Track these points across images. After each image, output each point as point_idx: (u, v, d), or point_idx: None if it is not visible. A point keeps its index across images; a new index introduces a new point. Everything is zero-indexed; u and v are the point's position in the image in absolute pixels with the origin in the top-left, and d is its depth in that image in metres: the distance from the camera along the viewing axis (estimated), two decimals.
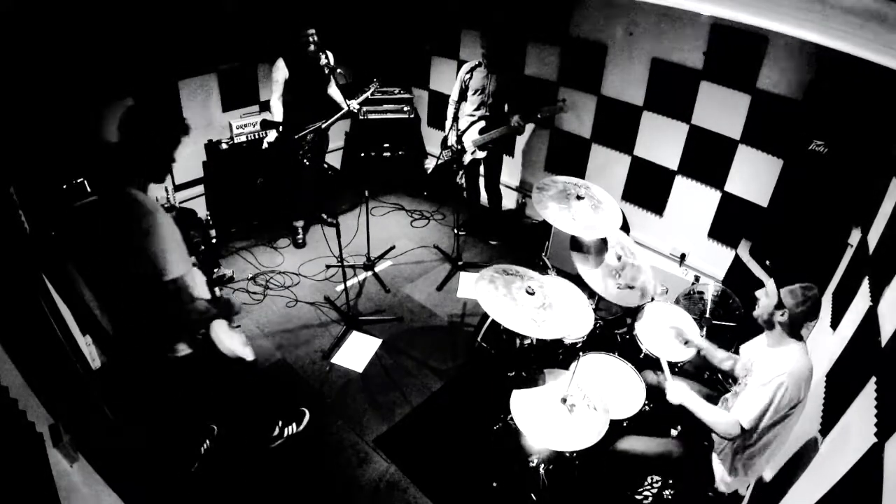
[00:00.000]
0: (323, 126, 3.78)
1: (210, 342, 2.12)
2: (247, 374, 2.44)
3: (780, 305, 1.98)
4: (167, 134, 1.89)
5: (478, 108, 4.08)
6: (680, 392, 2.15)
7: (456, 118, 4.09)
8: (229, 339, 2.20)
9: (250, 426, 2.73)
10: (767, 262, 3.25)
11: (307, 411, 2.89)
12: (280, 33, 3.97)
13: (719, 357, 2.41)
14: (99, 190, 1.83)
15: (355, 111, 3.85)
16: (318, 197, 4.42)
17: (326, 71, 3.81)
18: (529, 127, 4.58)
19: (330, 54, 3.80)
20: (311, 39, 3.68)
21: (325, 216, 4.55)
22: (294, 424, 2.82)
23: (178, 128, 1.92)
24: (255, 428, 2.73)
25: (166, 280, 1.80)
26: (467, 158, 4.20)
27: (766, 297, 2.03)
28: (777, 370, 1.90)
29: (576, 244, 2.82)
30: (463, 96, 4.11)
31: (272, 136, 3.97)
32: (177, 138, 1.92)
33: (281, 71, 3.75)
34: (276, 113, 3.86)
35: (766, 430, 1.95)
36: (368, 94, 3.76)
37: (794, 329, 1.99)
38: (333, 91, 4.00)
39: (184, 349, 2.08)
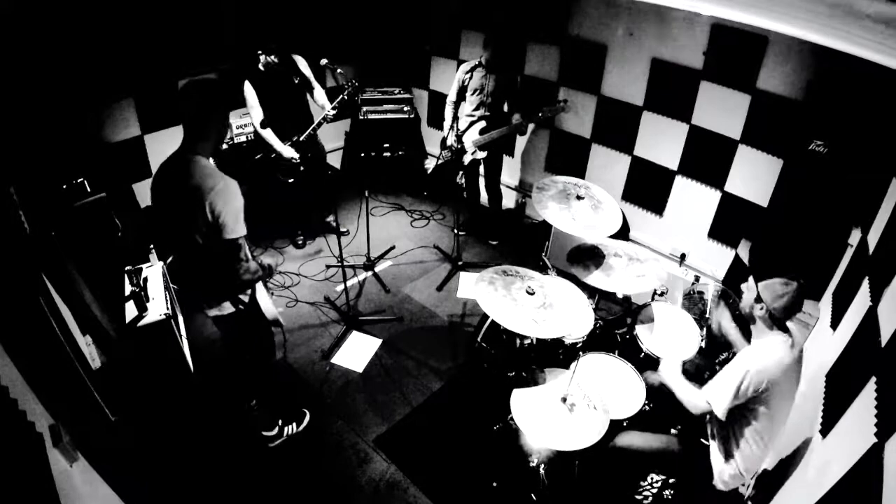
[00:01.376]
0: (302, 138, 3.75)
1: (254, 303, 2.34)
2: (270, 355, 2.72)
3: (758, 299, 2.01)
4: (225, 103, 2.08)
5: (477, 108, 4.08)
6: (670, 369, 2.25)
7: (455, 118, 4.09)
8: (269, 303, 2.38)
9: (251, 424, 2.73)
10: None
11: (308, 412, 2.90)
12: (243, 51, 3.79)
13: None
14: (173, 156, 2.06)
15: (330, 118, 3.68)
16: (317, 199, 4.42)
17: (297, 80, 3.77)
18: (530, 127, 4.57)
19: (300, 59, 3.77)
20: (270, 55, 3.55)
21: (332, 222, 4.54)
22: (294, 424, 2.82)
23: (229, 100, 2.13)
24: (255, 426, 2.73)
25: (229, 238, 2.02)
26: (467, 158, 4.20)
27: (747, 290, 2.08)
28: (747, 359, 1.94)
29: (572, 257, 2.83)
30: (462, 96, 4.11)
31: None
32: (229, 108, 2.15)
33: (251, 95, 3.58)
34: (269, 138, 3.70)
35: (744, 424, 1.99)
36: (343, 95, 3.52)
37: (777, 322, 1.99)
38: (319, 96, 3.89)
39: (228, 308, 2.27)
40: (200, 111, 1.97)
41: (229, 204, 1.99)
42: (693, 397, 2.09)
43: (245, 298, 2.32)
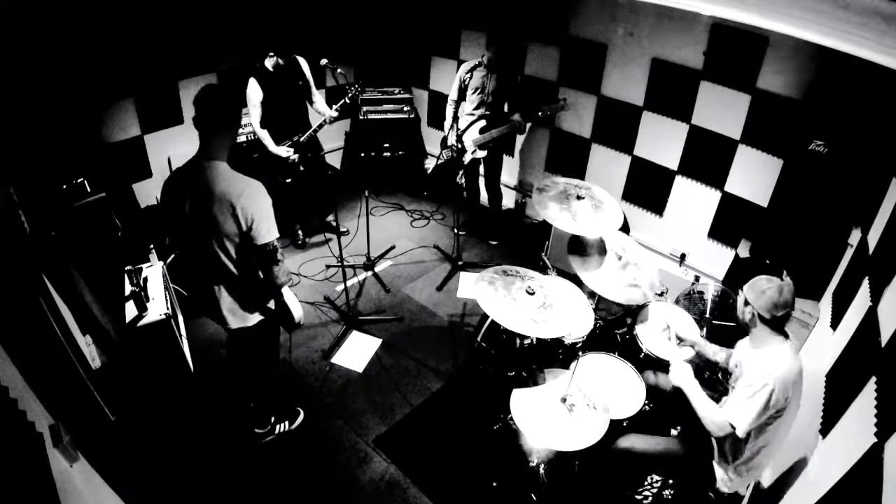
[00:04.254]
0: (302, 139, 3.76)
1: (280, 307, 2.27)
2: (277, 357, 2.73)
3: (746, 302, 1.98)
4: (238, 104, 2.06)
5: (477, 108, 4.08)
6: (683, 375, 2.13)
7: (455, 118, 4.09)
8: (297, 303, 2.32)
9: (244, 418, 2.73)
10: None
11: (301, 411, 2.90)
12: (252, 50, 3.83)
13: (712, 350, 2.39)
14: (190, 164, 2.02)
15: (332, 121, 3.69)
16: (317, 200, 4.41)
17: (300, 83, 3.78)
18: (530, 126, 4.57)
19: (303, 61, 3.78)
20: (282, 56, 3.58)
21: (332, 222, 4.53)
22: (287, 422, 2.83)
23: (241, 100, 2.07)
24: (247, 420, 2.74)
25: (264, 242, 1.99)
26: (467, 158, 4.20)
27: (739, 297, 2.05)
28: (763, 373, 1.88)
29: (573, 248, 2.82)
30: (462, 96, 4.11)
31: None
32: (241, 108, 2.12)
33: (256, 93, 3.57)
34: (264, 138, 3.70)
35: (756, 434, 1.95)
36: (346, 99, 3.55)
37: (771, 325, 1.94)
38: (318, 99, 3.90)
39: (255, 318, 2.25)
40: (217, 116, 1.94)
41: (260, 206, 1.96)
42: (715, 416, 1.98)
43: (271, 305, 2.28)
